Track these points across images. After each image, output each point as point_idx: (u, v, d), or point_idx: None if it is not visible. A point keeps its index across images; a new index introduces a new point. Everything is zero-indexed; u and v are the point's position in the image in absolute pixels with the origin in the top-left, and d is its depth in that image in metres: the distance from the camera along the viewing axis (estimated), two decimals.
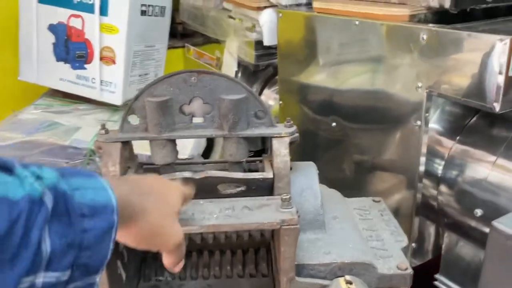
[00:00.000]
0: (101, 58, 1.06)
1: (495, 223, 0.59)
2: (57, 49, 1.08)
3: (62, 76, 1.10)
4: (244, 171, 0.78)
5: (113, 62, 1.05)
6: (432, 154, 0.93)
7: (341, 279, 0.66)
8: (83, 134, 0.97)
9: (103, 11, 1.02)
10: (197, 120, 0.74)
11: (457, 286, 0.96)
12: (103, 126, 0.73)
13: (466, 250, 0.93)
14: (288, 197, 0.65)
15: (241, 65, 1.47)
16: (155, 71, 1.18)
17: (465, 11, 0.85)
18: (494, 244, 0.60)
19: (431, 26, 0.80)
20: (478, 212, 0.85)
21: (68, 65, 1.08)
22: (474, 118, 0.92)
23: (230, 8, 1.46)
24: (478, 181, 0.86)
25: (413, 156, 0.90)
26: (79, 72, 1.08)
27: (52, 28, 1.07)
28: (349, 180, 1.11)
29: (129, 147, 0.76)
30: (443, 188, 0.93)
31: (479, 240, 0.89)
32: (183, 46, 1.77)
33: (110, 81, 1.06)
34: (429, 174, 0.95)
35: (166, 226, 0.51)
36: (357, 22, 0.94)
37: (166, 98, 0.71)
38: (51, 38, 1.08)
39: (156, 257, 0.81)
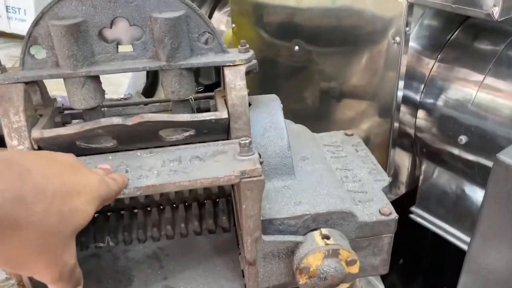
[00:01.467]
0: None
1: (501, 155, 0.49)
2: None
3: None
4: (192, 111, 0.63)
5: None
6: (410, 75, 0.81)
7: (316, 233, 0.55)
8: None
9: None
10: (124, 48, 0.57)
11: (434, 217, 0.89)
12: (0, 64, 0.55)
13: (445, 180, 0.85)
14: (247, 141, 0.51)
15: None
16: None
17: None
18: (498, 178, 0.50)
19: None
20: (463, 139, 0.75)
21: None
22: (456, 32, 0.80)
23: None
24: (462, 105, 0.75)
25: (390, 79, 0.78)
26: None
27: None
28: (316, 111, 0.99)
29: (39, 88, 0.59)
30: (422, 114, 0.83)
31: (462, 169, 0.80)
32: None
33: (18, 7, 0.85)
34: (406, 99, 0.83)
35: (51, 252, 0.36)
36: None
37: (78, 20, 0.53)
38: None
39: (94, 219, 0.67)
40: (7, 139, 0.54)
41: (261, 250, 0.55)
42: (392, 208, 0.60)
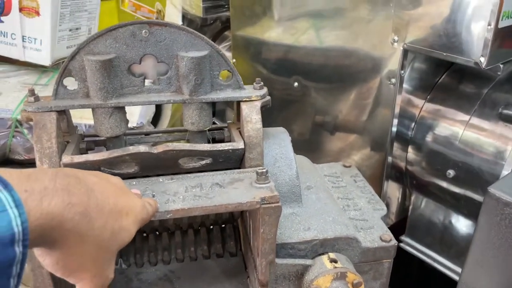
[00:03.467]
0: (21, 9, 0.88)
1: (491, 189, 0.55)
2: None
3: None
4: (208, 141, 0.68)
5: (37, 13, 0.87)
6: (401, 114, 0.88)
7: (325, 257, 0.60)
8: (6, 101, 0.81)
9: None
10: (149, 82, 0.62)
11: (423, 247, 0.94)
12: (32, 92, 0.59)
13: (434, 211, 0.91)
14: (264, 170, 0.56)
15: (186, 18, 1.33)
16: (88, 24, 1.02)
17: None
18: (489, 209, 0.56)
19: None
20: (451, 173, 0.81)
21: None
22: (444, 75, 0.88)
23: None
24: (450, 142, 0.82)
25: (385, 117, 0.85)
26: None
27: None
28: (310, 142, 1.04)
29: (66, 116, 0.63)
30: (412, 149, 0.89)
31: (450, 201, 0.86)
32: None
33: (34, 37, 0.89)
34: (398, 134, 0.90)
35: (99, 265, 0.39)
36: None
37: (111, 57, 0.58)
38: None
39: None
40: (38, 163, 0.57)
41: (273, 273, 0.59)
42: (391, 235, 0.65)
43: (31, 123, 0.61)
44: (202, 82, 0.60)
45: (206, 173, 0.60)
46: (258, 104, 0.63)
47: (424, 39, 0.72)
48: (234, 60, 1.19)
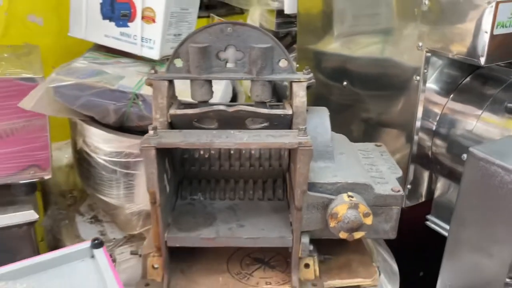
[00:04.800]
0: (143, 17, 1.20)
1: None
2: (104, 8, 1.23)
3: (107, 33, 1.25)
4: None
5: (153, 21, 1.19)
6: (429, 111, 1.07)
7: (344, 194, 0.81)
8: (127, 81, 1.12)
9: None
10: (230, 65, 0.89)
11: (446, 224, 1.11)
12: (154, 68, 0.88)
13: (455, 193, 1.08)
14: (304, 127, 0.80)
15: None
16: (187, 32, 1.33)
17: None
18: (470, 166, 0.75)
19: None
20: (465, 156, 0.99)
21: (113, 23, 1.23)
22: (467, 78, 1.06)
23: None
24: (465, 132, 1.00)
25: (412, 112, 1.05)
26: (123, 29, 1.23)
27: None
28: (356, 137, 1.25)
29: (173, 87, 0.91)
30: (436, 139, 1.08)
31: None
32: (208, 16, 1.91)
33: (149, 38, 1.21)
34: (425, 128, 1.09)
35: None
36: None
37: (206, 45, 0.85)
38: None
39: (190, 181, 0.97)
40: (154, 113, 0.86)
41: (305, 201, 0.81)
42: (400, 188, 0.85)
43: (146, 96, 0.90)
44: (265, 66, 0.86)
45: (263, 130, 0.85)
46: (304, 84, 0.87)
47: (441, 43, 0.93)
48: (297, 66, 1.45)
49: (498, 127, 0.94)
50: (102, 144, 1.17)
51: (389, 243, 1.21)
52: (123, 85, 1.10)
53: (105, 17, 1.24)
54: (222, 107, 0.84)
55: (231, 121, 0.87)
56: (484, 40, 0.83)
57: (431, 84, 1.06)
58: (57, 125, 1.27)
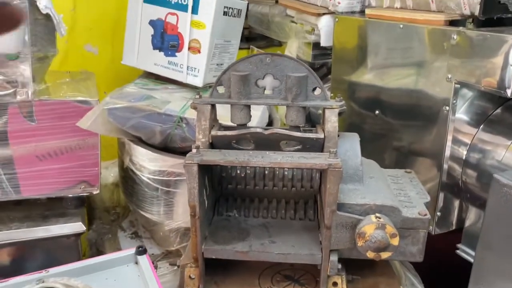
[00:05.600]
0: (189, 48, 1.31)
1: (496, 175, 0.77)
2: (155, 40, 1.35)
3: (157, 62, 1.36)
4: None
5: (199, 52, 1.30)
6: (459, 140, 1.10)
7: (372, 215, 0.85)
8: (173, 105, 1.22)
9: (194, 10, 1.27)
10: (268, 91, 0.96)
11: None
12: (198, 93, 0.97)
13: None
14: (335, 150, 0.85)
15: None
16: (229, 62, 1.43)
17: (492, 19, 1.03)
18: (495, 193, 0.78)
19: (460, 28, 0.99)
20: None
21: (162, 53, 1.35)
22: (497, 110, 1.09)
23: (292, 15, 1.69)
24: (495, 162, 1.03)
25: (441, 141, 1.08)
26: (171, 59, 1.34)
27: (152, 23, 1.34)
28: (387, 165, 1.29)
29: (215, 111, 1.00)
30: (466, 168, 1.10)
31: None
32: (248, 48, 2.02)
33: (194, 67, 1.31)
34: (456, 157, 1.12)
35: None
36: (401, 26, 1.14)
37: (246, 73, 0.94)
38: (151, 31, 1.35)
39: (227, 198, 1.04)
40: (197, 134, 0.94)
41: (334, 221, 0.86)
42: (427, 212, 0.88)
43: (189, 119, 0.99)
44: (300, 93, 0.93)
45: (296, 152, 0.91)
46: (336, 110, 0.93)
47: (469, 76, 0.97)
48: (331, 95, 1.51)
49: None
50: (147, 163, 1.27)
51: (419, 269, 1.23)
52: (169, 109, 1.20)
53: (155, 47, 1.35)
54: (258, 130, 0.91)
55: (267, 143, 0.94)
56: (510, 73, 0.87)
57: (461, 115, 1.10)
58: (105, 146, 1.38)
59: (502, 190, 0.77)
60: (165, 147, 1.27)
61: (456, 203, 1.16)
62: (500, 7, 1.00)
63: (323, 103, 0.94)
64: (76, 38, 1.77)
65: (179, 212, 1.31)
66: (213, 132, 0.93)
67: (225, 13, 1.30)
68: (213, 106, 0.97)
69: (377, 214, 0.85)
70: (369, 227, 0.83)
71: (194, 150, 0.87)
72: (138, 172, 1.30)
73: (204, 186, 0.91)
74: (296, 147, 0.95)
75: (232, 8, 1.33)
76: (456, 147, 1.10)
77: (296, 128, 0.97)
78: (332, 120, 0.92)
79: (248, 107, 0.96)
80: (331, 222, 0.86)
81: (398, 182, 1.02)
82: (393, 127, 1.25)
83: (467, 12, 1.03)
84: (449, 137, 1.06)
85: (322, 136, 0.92)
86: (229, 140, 0.94)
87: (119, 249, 1.45)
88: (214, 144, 0.95)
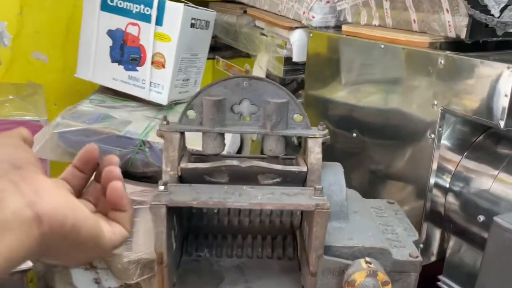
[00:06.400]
0: (152, 63, 1.19)
1: (496, 218, 0.71)
2: (113, 52, 1.22)
3: (115, 76, 1.23)
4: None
5: (163, 66, 1.18)
6: (442, 167, 1.05)
7: (362, 260, 0.77)
8: (134, 127, 1.10)
9: (159, 22, 1.15)
10: (244, 118, 0.86)
11: (458, 285, 1.07)
12: (165, 118, 0.86)
13: (468, 254, 1.05)
14: (320, 187, 0.77)
15: (269, 78, 1.60)
16: (196, 77, 1.32)
17: (478, 43, 0.98)
18: (495, 237, 0.72)
19: (448, 52, 0.93)
20: (481, 218, 0.96)
21: (121, 67, 1.22)
22: (481, 137, 1.04)
23: (262, 27, 1.60)
24: (481, 192, 0.98)
25: (425, 168, 1.02)
26: (131, 73, 1.21)
27: (110, 33, 1.21)
28: (365, 188, 1.23)
29: (184, 138, 0.89)
30: (450, 197, 1.05)
31: (480, 243, 1.00)
32: (214, 58, 1.91)
33: (158, 83, 1.19)
34: (438, 185, 1.06)
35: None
36: (382, 46, 1.08)
37: (221, 98, 0.83)
38: (109, 42, 1.22)
39: (196, 235, 0.93)
40: (164, 166, 0.82)
41: (321, 266, 0.77)
42: (419, 253, 0.81)
43: (152, 143, 0.87)
44: (280, 121, 0.84)
45: (276, 187, 0.82)
46: (320, 140, 0.85)
47: (457, 103, 0.91)
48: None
49: None
50: None
51: None
52: (130, 131, 1.07)
53: (114, 60, 1.22)
54: (235, 162, 0.81)
55: (243, 176, 0.84)
56: (503, 104, 0.82)
57: (444, 141, 1.04)
58: (55, 166, 1.23)
59: (503, 235, 0.71)
60: (125, 172, 1.14)
61: (438, 232, 1.11)
62: (487, 30, 0.95)
63: (305, 132, 0.85)
64: (22, 45, 1.60)
65: (139, 243, 1.19)
66: (183, 165, 0.82)
67: (192, 25, 1.19)
68: (182, 134, 0.85)
69: (367, 259, 0.77)
70: (359, 274, 0.75)
71: (161, 187, 0.76)
72: None
73: (172, 227, 0.80)
74: (276, 180, 0.85)
75: (199, 20, 1.22)
76: (440, 174, 1.05)
77: (275, 158, 0.88)
78: (315, 151, 0.84)
79: (222, 135, 0.86)
80: (317, 269, 0.77)
81: (383, 215, 0.95)
82: (372, 150, 1.18)
83: (452, 34, 0.98)
84: (434, 166, 1.01)
85: (304, 169, 0.83)
86: (201, 174, 0.83)
87: (70, 283, 1.30)
88: (183, 177, 0.84)
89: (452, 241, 1.07)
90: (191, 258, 0.90)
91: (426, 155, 1.02)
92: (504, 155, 0.97)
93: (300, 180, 0.85)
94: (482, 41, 0.97)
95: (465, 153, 1.04)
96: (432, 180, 1.03)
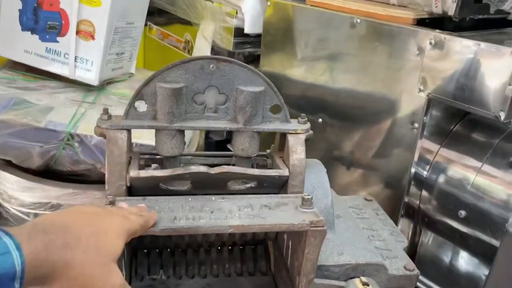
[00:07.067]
0: (78, 32, 0.95)
1: (510, 227, 0.62)
2: (24, 17, 0.95)
3: (28, 48, 0.97)
4: (252, 166, 0.74)
5: (92, 37, 0.95)
6: (418, 156, 0.96)
7: (357, 280, 0.66)
8: (58, 115, 0.87)
9: None
10: (209, 110, 0.69)
11: (430, 281, 1.01)
12: (106, 111, 0.65)
13: (442, 248, 0.98)
14: (310, 197, 0.63)
15: (213, 50, 1.41)
16: (131, 50, 1.09)
17: (463, 20, 0.87)
18: (507, 246, 0.63)
19: (438, 31, 0.82)
20: (462, 213, 0.89)
21: (36, 36, 0.96)
22: (459, 123, 0.96)
23: None
24: (463, 185, 0.90)
25: (404, 158, 0.92)
26: (50, 45, 0.96)
27: None
28: (335, 181, 1.11)
29: (130, 136, 0.69)
30: (427, 189, 0.97)
31: (459, 240, 0.93)
32: (146, 25, 1.66)
33: (86, 58, 0.96)
34: (414, 175, 0.97)
35: (99, 278, 0.46)
36: (358, 20, 0.94)
37: (181, 86, 0.65)
38: (18, 4, 0.95)
39: (148, 252, 0.75)
40: (107, 175, 0.63)
41: None
42: (414, 265, 0.71)
43: (83, 136, 0.67)
44: (256, 114, 0.68)
45: (252, 196, 0.66)
46: (303, 136, 0.70)
47: (448, 90, 0.81)
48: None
49: (503, 182, 0.85)
50: (20, 192, 0.90)
51: None
52: (52, 121, 0.85)
53: (25, 28, 0.96)
54: (202, 169, 0.64)
55: (210, 182, 0.67)
56: (506, 92, 0.73)
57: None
58: None
59: None
60: (48, 170, 0.92)
61: (410, 226, 1.03)
62: (476, 7, 0.85)
63: (285, 127, 0.70)
64: None
65: None
66: (133, 173, 0.63)
67: None
68: (129, 131, 0.66)
69: (363, 279, 0.66)
70: None
71: (107, 206, 0.57)
72: (5, 204, 0.93)
73: (122, 254, 0.61)
74: (249, 185, 0.70)
75: None
76: (415, 164, 0.96)
77: (247, 159, 0.72)
78: (298, 151, 0.69)
79: (182, 132, 0.68)
80: None
81: (364, 217, 0.84)
82: (340, 139, 1.06)
83: (437, 10, 0.87)
84: (415, 158, 0.91)
85: (286, 173, 0.68)
86: (156, 182, 0.65)
87: None
88: (133, 186, 0.65)
89: (425, 236, 1.00)
90: (144, 284, 0.73)
91: (407, 146, 0.92)
92: (488, 144, 0.90)
93: (279, 184, 0.70)
94: (468, 19, 0.87)
95: (444, 142, 0.95)
96: (411, 173, 0.93)
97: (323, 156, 1.10)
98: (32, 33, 0.96)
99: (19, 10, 0.95)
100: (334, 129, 1.08)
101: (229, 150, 0.76)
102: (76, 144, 0.85)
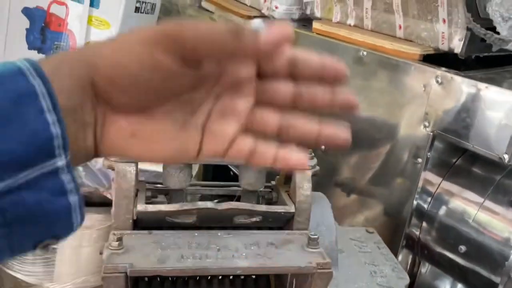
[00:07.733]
0: None
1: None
2: (31, 36, 0.95)
3: None
4: (258, 199, 0.74)
5: None
6: (421, 190, 0.96)
7: None
8: None
9: (95, 3, 0.91)
10: None
11: None
12: None
13: (440, 281, 0.98)
14: (316, 236, 0.63)
15: None
16: None
17: (469, 58, 0.89)
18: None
19: (444, 70, 0.83)
20: (463, 248, 0.89)
21: (42, 56, 0.96)
22: (461, 158, 0.97)
23: (211, 10, 1.39)
24: (464, 219, 0.91)
25: (408, 192, 0.93)
26: None
27: (27, 12, 0.94)
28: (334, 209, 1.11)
29: (137, 167, 0.69)
30: (428, 222, 0.97)
31: (458, 273, 0.94)
32: None
33: None
34: (415, 206, 0.98)
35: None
36: (364, 53, 0.95)
37: None
38: (25, 23, 0.95)
39: (150, 282, 0.75)
40: (114, 209, 0.62)
41: None
42: None
43: (90, 162, 0.67)
44: None
45: (258, 231, 0.66)
46: (309, 173, 0.70)
47: (453, 129, 0.82)
48: None
49: (504, 219, 0.86)
50: None
51: None
52: None
53: (32, 47, 0.96)
54: (210, 205, 0.64)
55: (217, 217, 0.67)
56: (511, 136, 0.73)
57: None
58: None
59: None
60: None
61: (409, 256, 1.03)
62: (481, 45, 0.86)
63: None
64: None
65: (62, 272, 0.98)
66: (141, 207, 0.63)
67: (137, 9, 0.97)
68: (137, 164, 0.66)
69: None
70: None
71: (114, 243, 0.57)
72: None
73: None
74: (254, 219, 0.70)
75: (145, 3, 0.99)
76: (417, 196, 0.96)
77: (253, 193, 0.72)
78: (304, 187, 0.69)
79: (189, 165, 0.68)
80: None
81: (365, 250, 0.84)
82: (342, 166, 1.06)
83: (444, 47, 0.88)
84: (417, 191, 0.91)
85: (292, 209, 0.68)
86: (163, 216, 0.65)
87: None
88: (139, 220, 0.65)
89: (424, 268, 1.01)
90: None
91: (410, 180, 0.92)
92: (490, 180, 0.90)
93: (284, 220, 0.70)
94: (474, 56, 0.88)
95: (446, 175, 0.96)
96: (415, 203, 0.94)
97: (324, 181, 1.11)
98: (38, 52, 0.96)
99: (27, 29, 0.95)
100: (336, 156, 1.08)
101: (231, 172, 0.77)
102: (81, 169, 0.85)
